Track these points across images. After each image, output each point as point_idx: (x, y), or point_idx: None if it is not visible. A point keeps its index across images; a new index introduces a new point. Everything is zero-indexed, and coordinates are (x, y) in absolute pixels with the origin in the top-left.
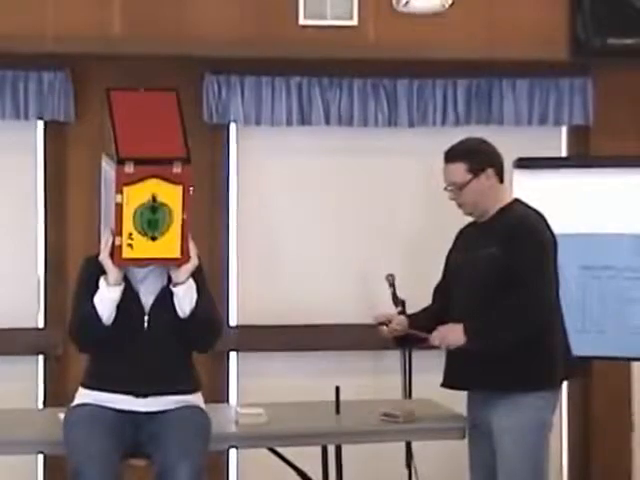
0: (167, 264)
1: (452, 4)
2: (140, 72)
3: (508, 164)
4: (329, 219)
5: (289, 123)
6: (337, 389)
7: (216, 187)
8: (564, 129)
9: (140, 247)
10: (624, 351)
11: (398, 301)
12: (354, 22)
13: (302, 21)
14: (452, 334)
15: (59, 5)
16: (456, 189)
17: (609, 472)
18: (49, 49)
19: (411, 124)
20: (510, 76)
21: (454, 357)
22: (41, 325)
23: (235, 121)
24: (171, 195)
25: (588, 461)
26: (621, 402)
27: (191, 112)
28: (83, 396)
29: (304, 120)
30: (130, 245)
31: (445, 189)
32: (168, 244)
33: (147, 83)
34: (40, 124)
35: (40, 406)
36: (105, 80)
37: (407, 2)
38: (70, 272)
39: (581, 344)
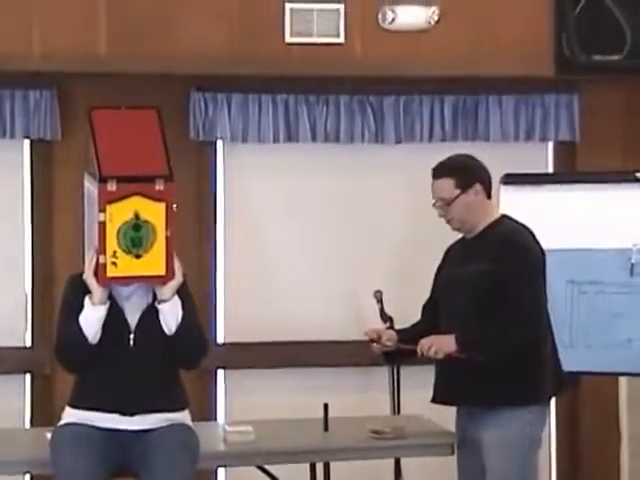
0: (152, 282)
1: (438, 21)
2: (126, 90)
3: (494, 180)
4: (316, 235)
5: (276, 140)
6: (325, 406)
7: (203, 204)
8: (550, 145)
9: (124, 265)
10: (611, 366)
11: (386, 317)
12: (340, 39)
13: (288, 38)
14: (442, 342)
15: (45, 24)
16: (444, 205)
17: None
18: (35, 67)
19: (398, 140)
20: (496, 93)
21: (444, 373)
22: (28, 344)
23: (222, 138)
24: (154, 212)
25: (576, 475)
26: (609, 417)
27: (177, 129)
28: (70, 415)
29: (291, 137)
30: (114, 263)
31: (433, 205)
32: (152, 261)
33: (133, 101)
34: (26, 143)
35: (27, 425)
36: (91, 98)
37: (393, 19)
38: (57, 291)
39: (569, 359)
